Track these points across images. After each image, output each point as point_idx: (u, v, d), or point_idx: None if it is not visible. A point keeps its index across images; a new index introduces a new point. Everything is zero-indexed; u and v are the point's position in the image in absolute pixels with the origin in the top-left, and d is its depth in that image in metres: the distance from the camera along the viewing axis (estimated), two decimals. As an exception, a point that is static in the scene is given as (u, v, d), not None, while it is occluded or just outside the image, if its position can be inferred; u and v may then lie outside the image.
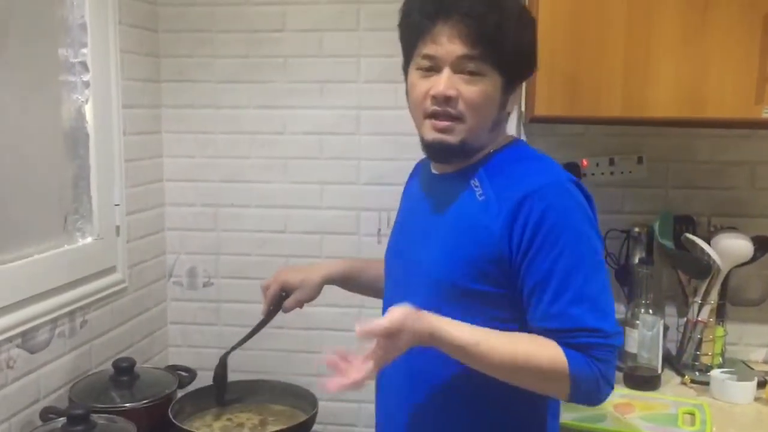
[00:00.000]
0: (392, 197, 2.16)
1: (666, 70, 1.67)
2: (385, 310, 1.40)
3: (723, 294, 1.96)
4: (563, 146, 2.10)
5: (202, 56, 2.21)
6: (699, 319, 1.94)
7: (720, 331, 1.96)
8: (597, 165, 2.07)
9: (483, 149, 1.29)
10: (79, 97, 1.83)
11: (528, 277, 1.20)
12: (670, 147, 2.06)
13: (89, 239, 1.87)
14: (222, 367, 1.73)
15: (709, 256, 1.87)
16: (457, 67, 1.21)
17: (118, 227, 1.97)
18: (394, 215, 2.17)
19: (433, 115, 1.24)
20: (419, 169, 1.52)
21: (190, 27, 2.20)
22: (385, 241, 2.15)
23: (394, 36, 2.09)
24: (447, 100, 1.21)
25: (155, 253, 2.22)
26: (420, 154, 2.12)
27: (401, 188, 2.14)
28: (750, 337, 2.08)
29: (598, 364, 1.17)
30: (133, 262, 2.07)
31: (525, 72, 1.29)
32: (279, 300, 1.57)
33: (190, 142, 2.25)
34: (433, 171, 1.38)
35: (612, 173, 2.07)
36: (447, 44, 1.20)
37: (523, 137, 2.11)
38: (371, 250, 2.20)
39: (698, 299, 1.93)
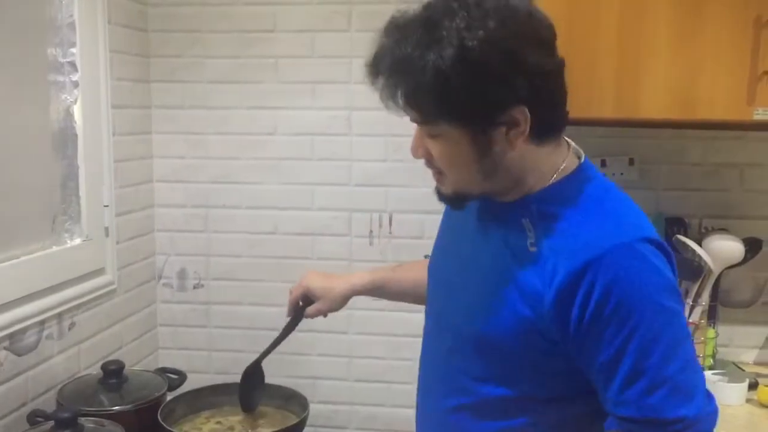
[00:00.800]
0: (384, 198, 2.18)
1: (658, 72, 1.67)
2: (425, 334, 1.29)
3: (714, 296, 1.96)
4: (555, 148, 2.09)
5: (193, 56, 2.20)
6: (690, 320, 1.93)
7: (711, 332, 1.96)
8: (589, 166, 2.06)
9: (525, 183, 1.09)
10: (68, 97, 1.81)
11: (593, 358, 1.03)
12: (662, 149, 2.06)
13: (78, 240, 1.85)
14: (252, 376, 1.66)
15: (701, 257, 1.87)
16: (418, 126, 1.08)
17: (107, 228, 1.96)
18: (385, 216, 2.21)
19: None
20: None
21: (180, 27, 2.19)
22: (377, 243, 2.20)
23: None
24: (419, 158, 1.10)
25: (145, 254, 2.21)
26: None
27: (393, 189, 2.17)
28: (741, 339, 2.08)
29: None
30: (122, 263, 2.05)
31: (492, 114, 1.01)
32: (301, 307, 1.53)
33: (180, 142, 2.23)
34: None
35: (603, 175, 2.06)
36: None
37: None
38: (363, 251, 2.19)
39: (690, 301, 1.93)
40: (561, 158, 1.10)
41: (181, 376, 1.85)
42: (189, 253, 2.27)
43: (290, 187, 2.21)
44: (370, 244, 2.19)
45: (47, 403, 1.70)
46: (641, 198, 2.06)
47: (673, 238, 1.93)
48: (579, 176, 1.11)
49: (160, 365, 2.21)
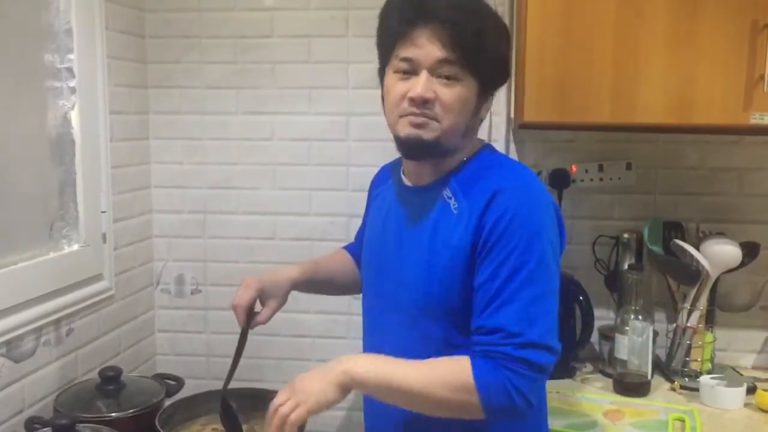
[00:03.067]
0: (381, 204, 2.18)
1: (654, 76, 1.68)
2: (367, 318, 1.47)
3: (712, 300, 1.97)
4: (553, 152, 2.10)
5: (190, 62, 2.20)
6: (688, 325, 1.94)
7: (709, 336, 1.96)
8: (586, 171, 2.07)
9: (455, 154, 1.30)
10: (65, 103, 1.81)
11: (477, 275, 1.21)
12: (659, 153, 2.07)
13: (75, 246, 1.85)
14: (226, 408, 1.59)
15: (698, 261, 1.87)
16: (435, 71, 1.22)
17: (104, 234, 1.95)
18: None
19: (409, 115, 1.25)
20: (387, 175, 1.51)
21: (177, 33, 2.19)
22: (375, 247, 2.19)
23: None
24: (424, 102, 1.22)
25: (142, 260, 2.20)
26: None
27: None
28: (738, 343, 2.08)
29: (506, 372, 1.14)
30: (120, 269, 2.05)
31: (500, 81, 1.32)
32: (253, 314, 1.51)
33: (177, 148, 2.23)
34: (406, 183, 1.39)
35: (601, 179, 2.07)
36: (426, 47, 1.21)
37: (512, 143, 2.11)
38: (360, 256, 2.19)
39: (687, 305, 1.93)
40: (476, 141, 1.34)
41: (179, 382, 1.85)
42: (187, 259, 2.27)
43: (288, 193, 2.21)
44: (368, 249, 2.19)
45: (44, 409, 1.69)
46: (638, 202, 2.11)
47: (671, 243, 1.93)
48: (486, 152, 1.34)
49: (158, 371, 2.21)
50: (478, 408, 1.15)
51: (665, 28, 1.67)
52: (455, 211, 1.25)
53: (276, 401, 1.25)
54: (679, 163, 2.07)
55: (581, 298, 1.95)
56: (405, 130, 1.25)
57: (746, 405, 1.79)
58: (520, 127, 1.82)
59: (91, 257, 1.90)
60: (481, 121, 1.33)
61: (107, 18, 1.94)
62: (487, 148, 1.36)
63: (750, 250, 1.92)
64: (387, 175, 1.52)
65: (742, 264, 1.92)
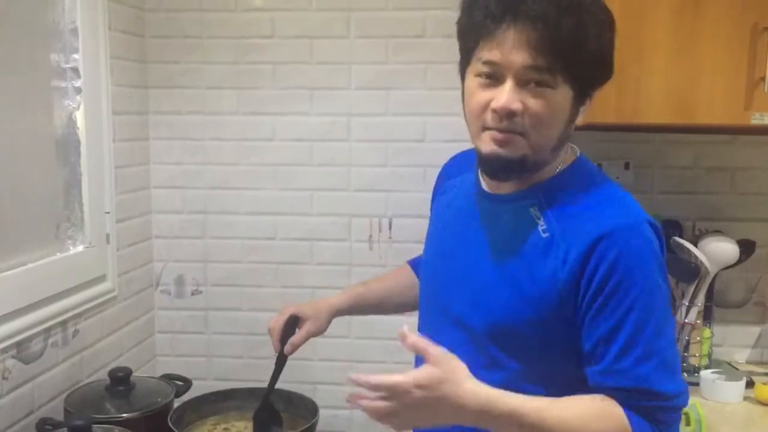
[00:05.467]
0: (383, 203, 2.19)
1: (657, 78, 1.71)
2: (424, 331, 1.25)
3: (710, 296, 2.01)
4: (552, 152, 2.12)
5: (191, 62, 2.19)
6: (687, 321, 1.98)
7: (707, 332, 2.00)
8: (585, 171, 2.09)
9: (544, 167, 1.13)
10: (71, 103, 1.80)
11: (593, 328, 1.08)
12: (655, 153, 2.11)
13: (80, 247, 1.84)
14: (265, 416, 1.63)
15: (697, 258, 1.91)
16: (523, 78, 1.05)
17: (108, 235, 1.94)
18: (385, 221, 2.22)
19: (493, 129, 1.09)
20: (464, 167, 1.32)
21: (178, 33, 2.18)
22: (377, 247, 2.21)
23: (385, 43, 2.14)
24: (510, 114, 1.05)
25: (143, 261, 2.19)
26: (414, 161, 2.15)
27: (392, 194, 2.18)
28: (734, 338, 2.13)
29: (661, 428, 1.07)
30: (121, 270, 2.04)
31: (601, 81, 1.12)
32: (289, 333, 1.54)
33: (177, 148, 2.23)
34: (485, 188, 1.21)
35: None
36: (513, 51, 1.04)
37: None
38: (362, 256, 2.21)
39: (686, 302, 1.97)
40: (565, 152, 1.17)
41: (187, 383, 1.85)
42: (187, 260, 2.26)
43: (289, 193, 2.22)
44: (370, 248, 2.20)
45: (53, 411, 1.68)
46: (637, 201, 2.14)
47: (671, 240, 1.97)
48: (580, 166, 1.18)
49: (159, 372, 2.20)
50: None
51: (668, 31, 1.70)
52: (544, 235, 1.10)
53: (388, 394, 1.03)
54: (674, 162, 2.11)
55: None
56: (487, 146, 1.09)
57: (745, 398, 1.83)
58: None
59: (96, 258, 1.89)
60: (575, 128, 1.14)
61: (109, 17, 1.94)
62: (581, 158, 1.20)
63: (746, 248, 1.97)
64: (463, 166, 1.33)
65: (739, 261, 1.96)
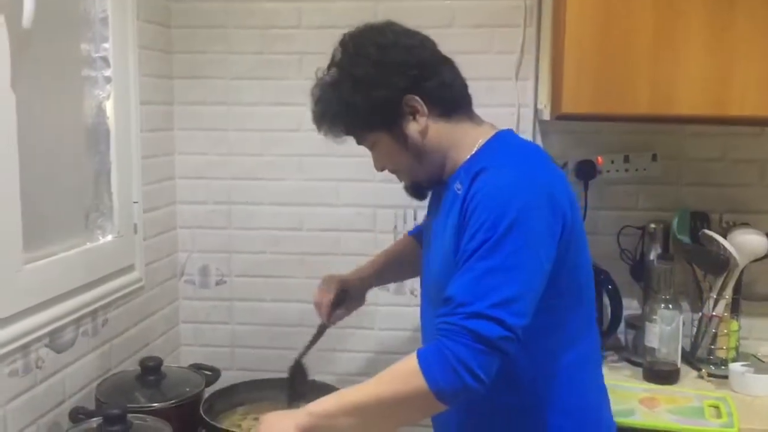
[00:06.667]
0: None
1: (692, 69, 1.69)
2: (421, 314, 1.47)
3: (737, 289, 2.00)
4: (579, 144, 2.12)
5: (216, 52, 2.19)
6: (714, 313, 1.97)
7: (735, 325, 1.99)
8: (612, 162, 2.09)
9: (453, 159, 1.33)
10: (101, 93, 1.80)
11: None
12: (683, 145, 2.10)
13: (109, 237, 1.84)
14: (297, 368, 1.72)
15: (726, 250, 1.90)
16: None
17: (135, 225, 1.95)
18: (410, 212, 2.21)
19: None
20: None
21: (203, 23, 2.18)
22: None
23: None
24: (382, 171, 1.41)
25: (168, 251, 2.20)
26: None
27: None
28: (760, 331, 2.12)
29: (450, 345, 1.09)
30: (148, 260, 2.04)
31: (393, 111, 1.30)
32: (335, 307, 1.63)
33: (202, 139, 2.23)
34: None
35: (627, 170, 2.09)
36: None
37: (538, 135, 2.13)
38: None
39: (714, 294, 1.96)
40: (483, 134, 1.33)
41: (215, 373, 1.85)
42: (211, 250, 2.27)
43: (314, 184, 2.21)
44: (395, 239, 2.20)
45: (84, 400, 1.69)
46: (663, 193, 2.13)
47: (700, 233, 1.96)
48: (495, 140, 1.32)
49: (183, 361, 2.21)
50: (428, 392, 1.09)
51: (702, 21, 1.68)
52: (459, 193, 1.26)
53: None
54: (703, 154, 2.10)
55: (610, 287, 1.97)
56: None
57: (774, 391, 1.82)
58: (557, 119, 1.84)
59: (124, 248, 1.89)
60: (425, 129, 1.31)
61: (138, 7, 1.93)
62: (498, 135, 1.34)
63: (775, 240, 1.96)
64: None
65: (767, 254, 1.95)
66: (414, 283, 1.98)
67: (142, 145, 1.98)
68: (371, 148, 1.37)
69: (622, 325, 2.06)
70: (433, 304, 1.30)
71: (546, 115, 1.98)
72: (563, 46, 1.74)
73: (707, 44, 1.69)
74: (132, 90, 1.91)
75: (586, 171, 2.09)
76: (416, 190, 1.41)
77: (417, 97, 1.29)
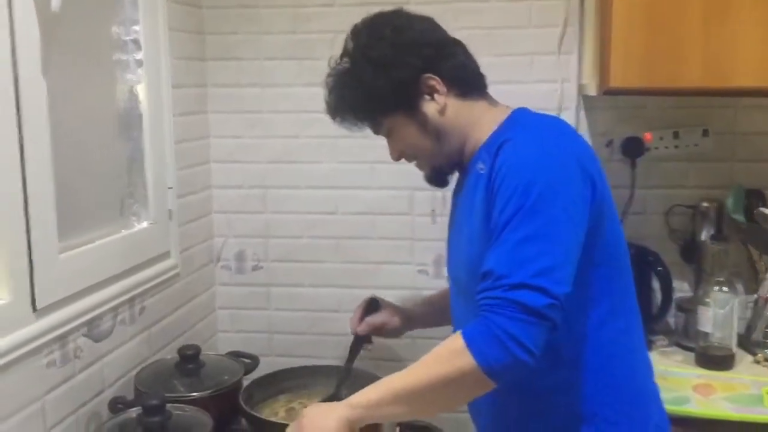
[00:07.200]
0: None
1: (749, 37, 1.60)
2: (451, 307, 1.43)
3: (792, 270, 1.91)
4: (625, 120, 2.03)
5: (248, 33, 2.14)
6: (760, 294, 1.88)
7: (792, 307, 1.90)
8: (661, 139, 2.00)
9: (472, 142, 1.31)
10: (132, 77, 1.76)
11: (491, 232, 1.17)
12: (736, 119, 2.00)
13: (144, 224, 1.81)
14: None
15: (784, 230, 1.82)
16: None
17: (170, 211, 1.91)
18: (448, 195, 2.14)
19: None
20: None
21: (235, 3, 2.13)
22: (440, 221, 2.14)
23: (446, 9, 2.06)
24: (399, 160, 1.39)
25: (203, 237, 2.17)
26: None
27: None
28: (817, 313, 2.02)
29: (496, 319, 1.04)
30: (183, 246, 2.01)
31: (411, 91, 1.29)
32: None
33: (236, 122, 2.18)
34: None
35: (677, 147, 2.01)
36: None
37: (582, 111, 2.05)
38: (425, 230, 2.15)
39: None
40: (500, 113, 1.30)
41: (254, 360, 1.82)
42: (247, 235, 2.23)
43: (350, 166, 2.16)
44: (433, 222, 2.14)
45: (123, 389, 1.67)
46: (715, 170, 2.04)
47: (756, 212, 1.87)
48: (513, 117, 1.29)
49: (221, 348, 2.18)
50: (478, 370, 1.05)
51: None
52: (482, 173, 1.22)
53: None
54: (757, 129, 2.00)
55: (660, 269, 1.90)
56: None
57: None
58: (605, 93, 1.76)
59: (160, 234, 1.86)
60: (445, 107, 1.30)
61: (167, -12, 1.89)
62: (516, 112, 1.31)
63: (835, 218, 1.86)
64: None
65: (826, 232, 1.86)
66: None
67: (175, 129, 1.94)
68: (388, 134, 1.36)
69: (673, 308, 1.99)
70: (464, 294, 1.29)
71: (590, 91, 1.90)
72: (611, 17, 1.66)
73: (762, 9, 1.59)
74: (164, 73, 1.87)
75: (634, 148, 2.01)
76: (437, 177, 1.39)
77: (435, 76, 1.28)
